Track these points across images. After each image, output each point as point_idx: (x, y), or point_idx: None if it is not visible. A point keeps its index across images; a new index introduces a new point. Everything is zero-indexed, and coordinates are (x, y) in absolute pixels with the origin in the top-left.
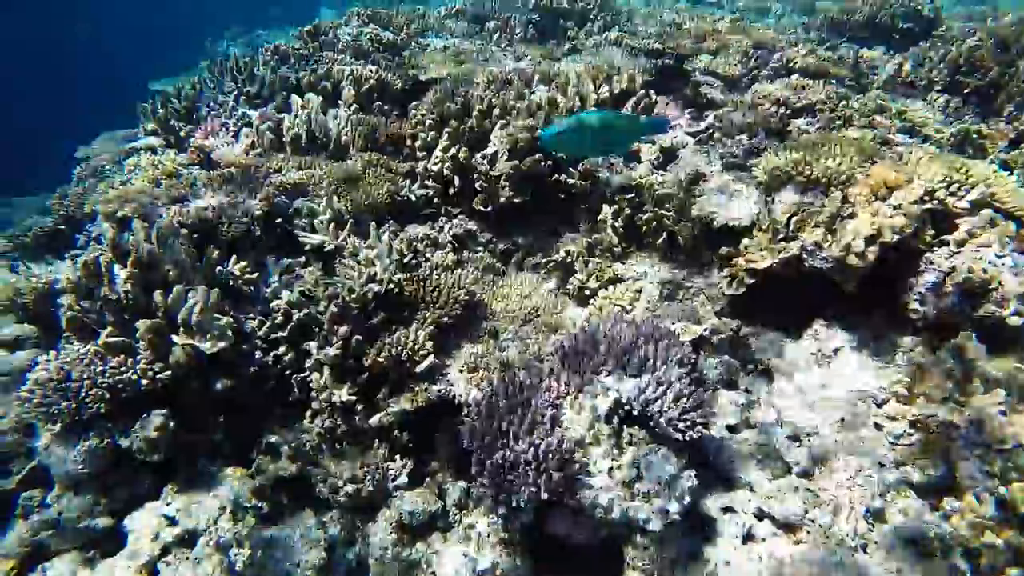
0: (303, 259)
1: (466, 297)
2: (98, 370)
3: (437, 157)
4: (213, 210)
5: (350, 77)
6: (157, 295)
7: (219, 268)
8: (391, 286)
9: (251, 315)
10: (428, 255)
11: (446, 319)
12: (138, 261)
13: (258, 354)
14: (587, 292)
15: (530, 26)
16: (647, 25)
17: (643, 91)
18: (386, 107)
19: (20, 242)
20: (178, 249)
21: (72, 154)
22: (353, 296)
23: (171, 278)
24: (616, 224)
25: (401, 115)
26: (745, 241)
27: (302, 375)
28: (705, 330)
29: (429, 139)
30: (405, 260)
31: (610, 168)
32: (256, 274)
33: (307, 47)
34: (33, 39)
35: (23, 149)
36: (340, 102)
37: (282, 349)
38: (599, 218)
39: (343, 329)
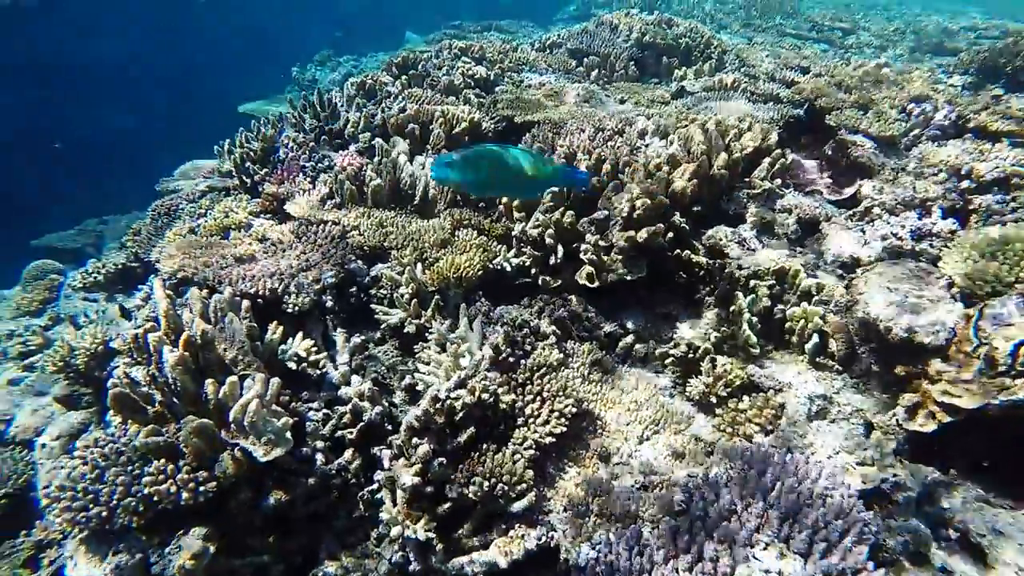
0: (378, 335)
1: (573, 409)
2: (135, 474)
3: (537, 220)
4: (280, 277)
5: (440, 119)
6: (209, 386)
7: (282, 347)
8: (485, 396)
9: (314, 404)
10: (527, 346)
11: (549, 438)
12: (190, 342)
13: (319, 457)
14: (713, 399)
15: (632, 63)
16: (763, 65)
17: (778, 151)
18: None
19: (93, 279)
20: (238, 329)
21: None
22: (438, 407)
23: (227, 360)
24: (753, 318)
25: None
26: (938, 365)
27: (370, 489)
28: (885, 480)
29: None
30: (501, 357)
31: (742, 245)
32: (323, 353)
33: (395, 81)
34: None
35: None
36: (428, 147)
37: (348, 455)
38: (732, 309)
39: (423, 448)
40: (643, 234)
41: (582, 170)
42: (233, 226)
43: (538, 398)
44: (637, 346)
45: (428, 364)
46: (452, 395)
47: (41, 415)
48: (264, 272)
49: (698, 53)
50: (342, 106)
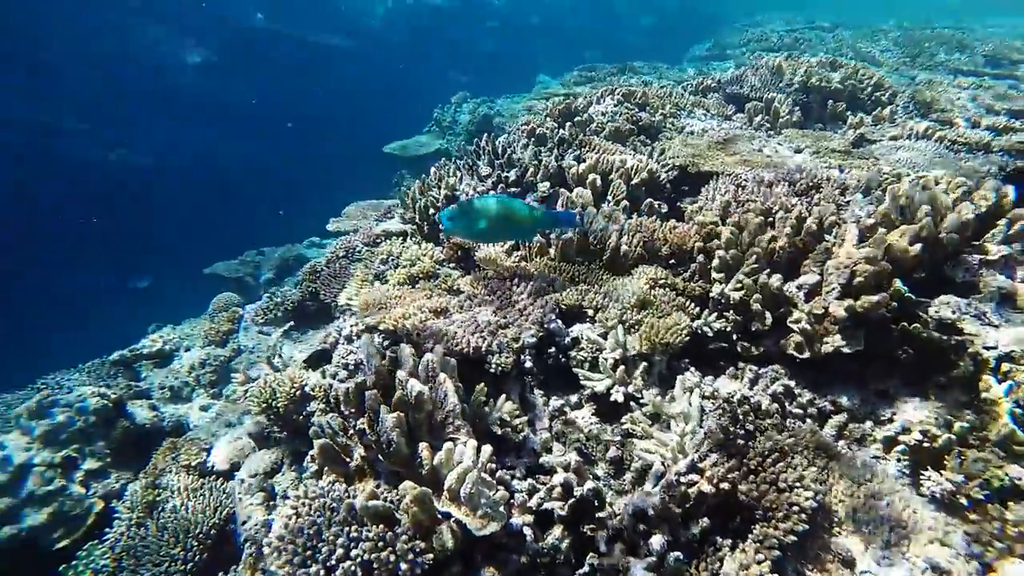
0: (574, 398)
1: (814, 504)
2: (353, 536)
3: (739, 282)
4: (481, 335)
5: (621, 170)
6: (424, 450)
7: (485, 410)
8: (725, 486)
9: (516, 472)
10: (748, 425)
11: (791, 536)
12: (404, 402)
13: (528, 533)
14: (963, 500)
15: (796, 108)
16: (953, 110)
17: (1018, 210)
18: (656, 204)
19: (272, 316)
20: (450, 390)
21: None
22: (672, 494)
23: (435, 422)
24: (1017, 409)
25: (668, 215)
26: None
27: (583, 574)
28: None
29: (729, 258)
30: (729, 438)
31: (980, 319)
32: (524, 417)
33: (561, 127)
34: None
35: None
36: (609, 197)
37: (558, 532)
38: (984, 396)
39: (658, 539)
40: (865, 303)
41: (570, 211)
42: (421, 275)
43: (773, 488)
44: (851, 426)
45: (642, 438)
46: (683, 479)
47: (235, 447)
48: (465, 328)
49: (865, 96)
50: (515, 154)
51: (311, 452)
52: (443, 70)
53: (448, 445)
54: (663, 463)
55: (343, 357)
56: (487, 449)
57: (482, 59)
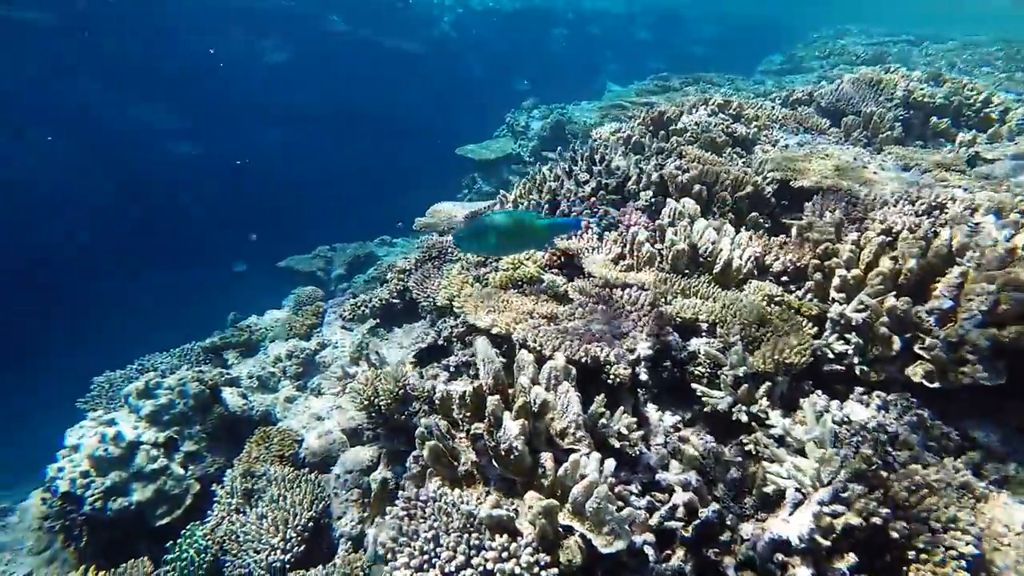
0: (688, 415)
1: (975, 551)
2: (474, 544)
3: (861, 303)
4: (598, 344)
5: (726, 180)
6: (548, 460)
7: (602, 422)
8: (876, 520)
9: (633, 488)
10: (888, 456)
11: None
12: (526, 409)
13: (650, 553)
14: None
15: (897, 123)
16: None
17: None
18: (761, 219)
19: (359, 314)
20: (573, 400)
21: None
22: (819, 524)
23: (554, 431)
24: None
25: (769, 230)
26: None
27: None
28: None
29: (850, 278)
30: (872, 467)
31: None
32: (641, 432)
33: (656, 136)
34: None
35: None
36: (714, 208)
37: (680, 555)
38: None
39: (805, 574)
40: (1012, 332)
41: (571, 218)
42: (524, 280)
43: (926, 527)
44: (988, 465)
45: (771, 461)
46: (826, 509)
47: (325, 441)
48: (581, 337)
49: (971, 112)
50: (615, 161)
51: (413, 453)
52: (508, 76)
53: (574, 456)
54: (800, 490)
55: (445, 358)
56: (610, 463)
57: (546, 66)
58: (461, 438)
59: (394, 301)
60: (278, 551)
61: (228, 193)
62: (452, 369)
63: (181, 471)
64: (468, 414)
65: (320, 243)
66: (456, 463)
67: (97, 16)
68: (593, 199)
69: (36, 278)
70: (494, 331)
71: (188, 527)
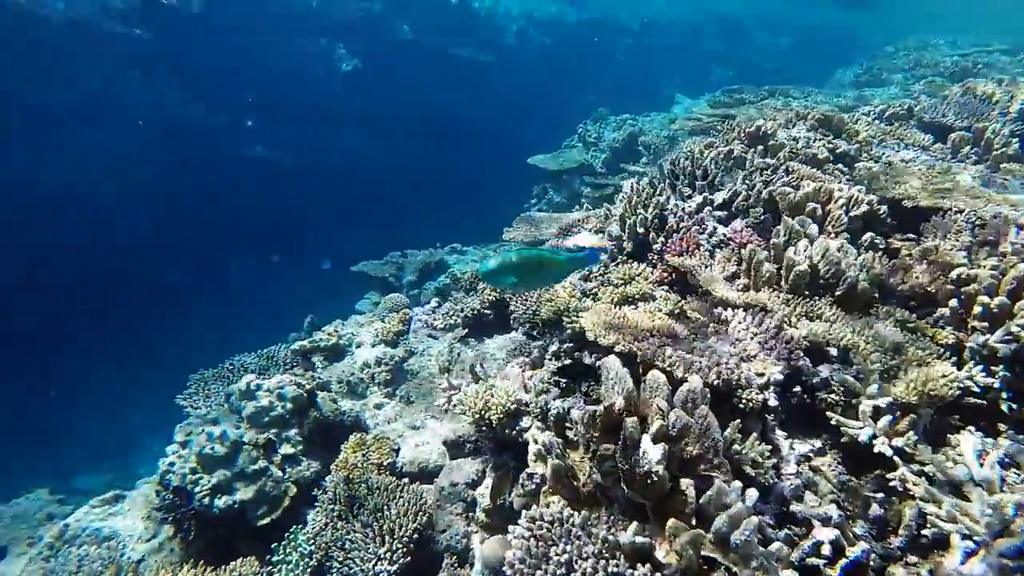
0: (818, 444)
1: None
2: (613, 572)
3: (1010, 334)
4: (728, 367)
5: (840, 199)
6: (689, 487)
7: (735, 447)
8: None
9: (767, 518)
10: None
11: None
12: (664, 432)
13: None
14: None
15: (1015, 140)
16: None
17: None
18: (876, 241)
19: (450, 321)
20: (712, 424)
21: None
22: None
23: (687, 456)
24: None
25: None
26: None
27: None
28: None
29: (995, 306)
30: None
31: None
32: (772, 459)
33: (754, 151)
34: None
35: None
36: (829, 228)
37: None
38: None
39: None
40: None
41: (590, 250)
42: (636, 296)
43: None
44: None
45: (927, 502)
46: (1010, 563)
47: (421, 451)
48: (708, 358)
49: None
50: (719, 178)
51: (527, 470)
52: (573, 85)
53: (718, 484)
54: (970, 537)
55: (552, 374)
56: (752, 493)
57: (611, 76)
58: (576, 457)
59: (486, 312)
60: (384, 561)
61: (298, 196)
62: (563, 385)
63: (280, 473)
64: (595, 434)
65: (388, 249)
66: (576, 482)
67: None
68: (698, 213)
69: (125, 272)
70: (617, 349)
71: (292, 531)
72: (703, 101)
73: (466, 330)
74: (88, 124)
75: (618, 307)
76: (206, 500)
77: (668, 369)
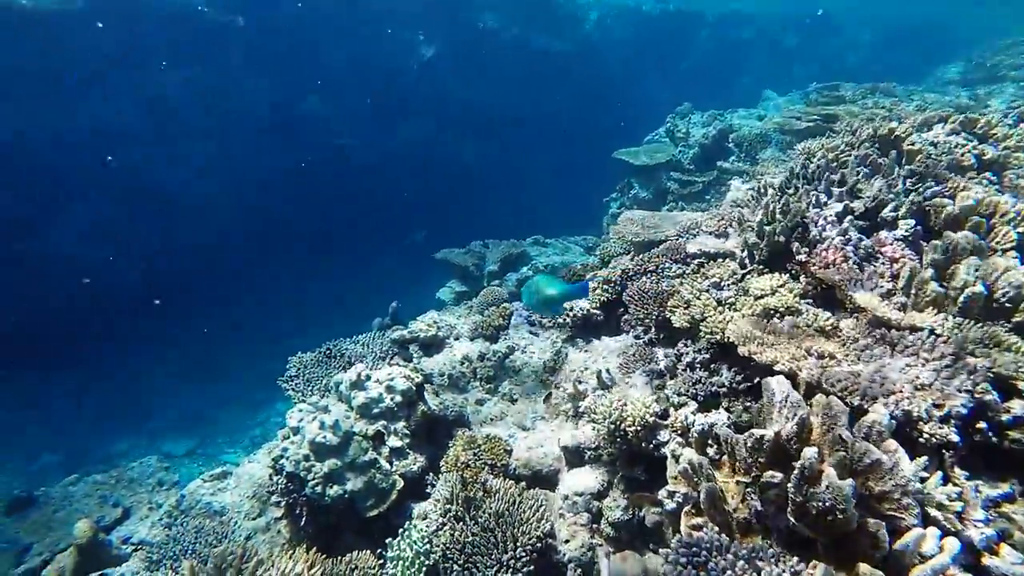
0: (1007, 488)
1: None
2: None
3: None
4: (905, 396)
5: (1007, 214)
6: (880, 529)
7: (917, 486)
8: None
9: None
10: None
11: None
12: (846, 465)
13: None
14: None
15: None
16: None
17: None
18: None
19: (558, 321)
20: (903, 459)
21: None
22: None
23: (870, 493)
24: None
25: None
26: None
27: None
28: None
29: None
30: None
31: None
32: (958, 503)
33: (891, 157)
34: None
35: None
36: (994, 245)
37: None
38: None
39: None
40: None
41: (577, 285)
42: (781, 309)
43: None
44: None
45: None
46: None
47: (535, 455)
48: (878, 386)
49: None
50: (861, 184)
51: (668, 488)
52: (652, 76)
53: (916, 531)
54: None
55: (689, 386)
56: (952, 543)
57: (689, 69)
58: (721, 478)
59: (595, 313)
60: (508, 569)
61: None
62: (701, 397)
63: (387, 466)
64: (760, 459)
65: (471, 238)
66: (726, 506)
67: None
68: (838, 221)
69: (227, 258)
70: (778, 368)
71: (405, 527)
72: (795, 97)
73: (571, 330)
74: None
75: (760, 320)
76: (319, 488)
77: (840, 394)
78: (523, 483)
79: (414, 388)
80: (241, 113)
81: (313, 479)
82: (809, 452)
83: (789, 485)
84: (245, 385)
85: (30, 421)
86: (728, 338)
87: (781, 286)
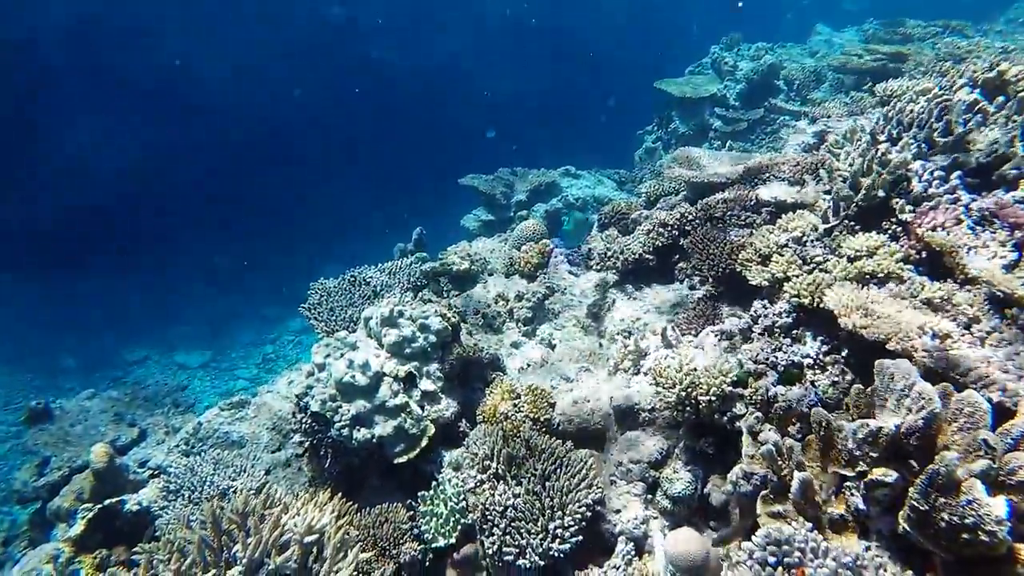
0: None
1: None
2: None
3: None
4: None
5: None
6: None
7: None
8: None
9: None
10: None
11: None
12: (991, 476)
13: None
14: None
15: None
16: None
17: None
18: None
19: (608, 264)
20: None
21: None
22: None
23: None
24: None
25: None
26: None
27: None
28: None
29: None
30: None
31: None
32: None
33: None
34: None
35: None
36: None
37: None
38: None
39: None
40: None
41: None
42: (880, 275)
43: None
44: None
45: None
46: None
47: (581, 409)
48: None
49: None
50: (971, 136)
51: (742, 467)
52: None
53: None
54: None
55: (768, 353)
56: None
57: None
58: (810, 463)
59: (647, 257)
60: (556, 539)
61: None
62: (781, 368)
63: (419, 410)
64: (872, 454)
65: (497, 165)
66: (817, 499)
67: None
68: (948, 179)
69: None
70: (890, 347)
71: (439, 481)
72: (852, 34)
73: (618, 274)
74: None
75: (863, 287)
76: (345, 432)
77: (973, 386)
78: (569, 441)
79: (450, 328)
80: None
81: (340, 421)
82: (950, 457)
83: (912, 490)
84: (259, 301)
85: (53, 321)
86: (822, 304)
87: (879, 247)
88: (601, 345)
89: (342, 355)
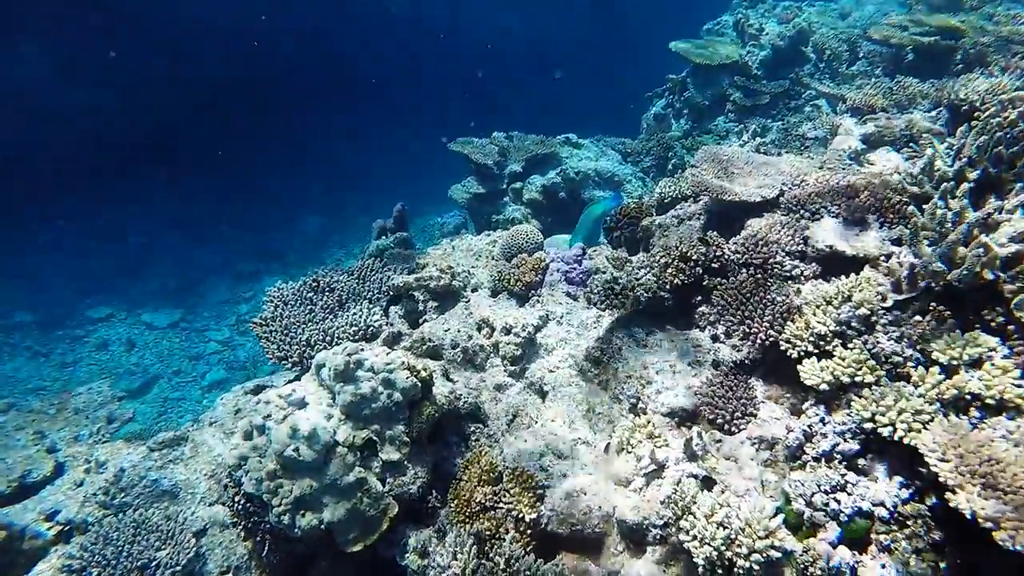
0: None
1: None
2: None
3: None
4: None
5: None
6: None
7: None
8: None
9: None
10: None
11: None
12: None
13: None
14: None
15: None
16: None
17: None
18: None
19: (612, 301)
20: None
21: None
22: None
23: None
24: None
25: None
26: None
27: None
28: None
29: None
30: None
31: None
32: None
33: None
34: None
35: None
36: None
37: None
38: None
39: None
40: None
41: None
42: (987, 399)
43: None
44: None
45: None
46: None
47: (578, 505)
48: None
49: None
50: None
51: None
52: None
53: None
54: None
55: (826, 493)
56: None
57: None
58: None
59: (663, 295)
60: None
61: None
62: (845, 519)
63: (379, 487)
64: None
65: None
66: None
67: None
68: None
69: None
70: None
71: None
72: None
73: (625, 310)
74: None
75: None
76: (286, 519)
77: None
78: (560, 555)
79: (419, 385)
80: None
81: (280, 506)
82: None
83: None
84: (235, 255)
85: (7, 274)
86: (913, 443)
87: (987, 354)
88: (601, 403)
89: (285, 416)
